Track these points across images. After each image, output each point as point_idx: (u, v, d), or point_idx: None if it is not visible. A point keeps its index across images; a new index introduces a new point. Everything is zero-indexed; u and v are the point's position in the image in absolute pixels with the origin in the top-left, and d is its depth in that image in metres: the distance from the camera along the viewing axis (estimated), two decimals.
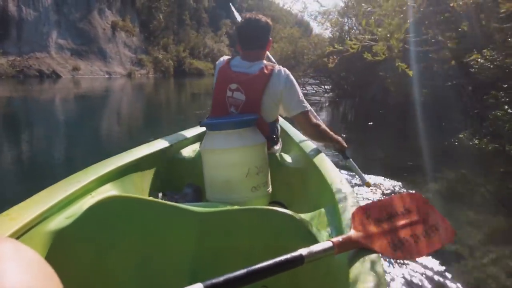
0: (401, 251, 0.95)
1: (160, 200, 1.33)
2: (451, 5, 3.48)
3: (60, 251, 1.03)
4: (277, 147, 1.89)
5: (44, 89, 19.20)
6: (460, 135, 5.20)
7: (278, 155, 1.89)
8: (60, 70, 30.10)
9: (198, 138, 2.14)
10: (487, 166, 4.36)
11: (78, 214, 1.10)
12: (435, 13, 5.01)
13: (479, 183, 3.83)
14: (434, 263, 2.09)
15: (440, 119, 6.23)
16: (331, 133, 1.85)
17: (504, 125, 4.04)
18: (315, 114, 1.90)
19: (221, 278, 0.69)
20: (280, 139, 1.93)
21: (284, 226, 1.08)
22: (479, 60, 4.37)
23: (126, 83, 26.98)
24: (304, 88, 15.09)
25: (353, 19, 12.55)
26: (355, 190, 1.64)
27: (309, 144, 1.95)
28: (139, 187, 1.58)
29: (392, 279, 1.95)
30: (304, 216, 1.19)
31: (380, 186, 2.77)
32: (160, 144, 1.84)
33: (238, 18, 2.47)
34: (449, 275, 2.01)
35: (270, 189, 1.61)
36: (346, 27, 12.38)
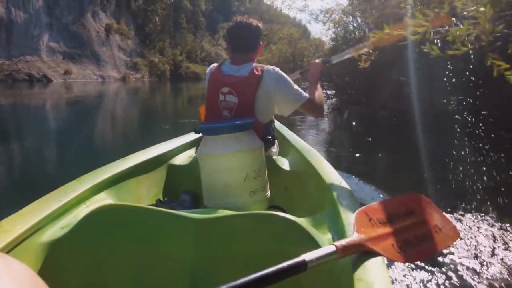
0: (406, 253, 0.93)
1: (156, 208, 1.26)
2: None
3: (55, 262, 1.02)
4: (274, 149, 1.90)
5: (33, 94, 18.77)
6: None
7: (275, 159, 1.88)
8: (51, 74, 29.32)
9: (194, 144, 2.11)
10: None
11: (73, 224, 1.09)
12: None
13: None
14: (440, 264, 2.09)
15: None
16: (317, 88, 1.88)
17: None
18: (306, 87, 1.89)
19: (222, 287, 0.68)
20: (276, 142, 1.92)
21: (284, 231, 1.07)
22: None
23: (120, 88, 26.61)
24: None
25: (358, 19, 11.54)
26: (355, 192, 1.49)
27: (307, 147, 1.96)
28: (135, 195, 1.57)
29: (398, 282, 1.94)
30: (305, 220, 1.16)
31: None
32: (155, 151, 1.83)
33: None
34: (456, 276, 2.02)
35: (268, 193, 1.59)
36: (351, 27, 11.30)
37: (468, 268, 2.15)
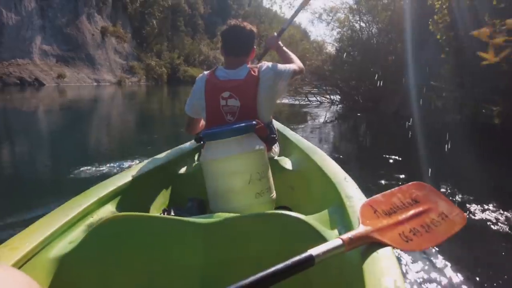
0: (413, 241, 0.93)
1: (163, 216, 1.32)
2: None
3: (65, 276, 1.03)
4: (277, 149, 1.94)
5: (24, 98, 18.02)
6: None
7: (279, 159, 1.90)
8: (44, 78, 28.43)
9: (196, 151, 2.13)
10: None
11: (81, 238, 1.09)
12: None
13: None
14: (448, 252, 2.08)
15: None
16: (286, 51, 2.09)
17: None
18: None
19: (231, 287, 0.69)
20: (278, 142, 1.94)
21: (292, 229, 1.08)
22: None
23: (116, 91, 25.99)
24: (306, 99, 13.08)
25: (365, 17, 10.66)
26: (361, 186, 1.35)
27: (309, 145, 1.97)
28: (141, 206, 1.57)
29: (408, 271, 1.93)
30: (312, 217, 1.17)
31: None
32: (157, 161, 1.83)
33: None
34: (465, 264, 2.02)
35: (274, 194, 1.58)
36: (357, 26, 10.39)
37: (480, 255, 2.19)
